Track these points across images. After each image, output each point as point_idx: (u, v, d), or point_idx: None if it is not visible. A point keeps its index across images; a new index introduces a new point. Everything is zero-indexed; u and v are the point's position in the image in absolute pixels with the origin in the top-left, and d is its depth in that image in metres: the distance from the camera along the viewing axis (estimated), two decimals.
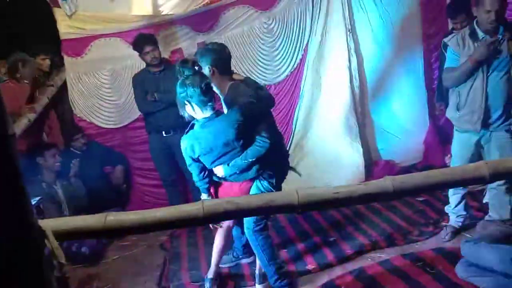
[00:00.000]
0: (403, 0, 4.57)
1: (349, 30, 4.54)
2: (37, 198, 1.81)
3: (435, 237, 3.32)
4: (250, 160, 2.61)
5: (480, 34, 2.87)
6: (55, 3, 4.20)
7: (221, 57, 2.70)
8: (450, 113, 3.15)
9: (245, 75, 3.34)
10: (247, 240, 2.97)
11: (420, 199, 3.95)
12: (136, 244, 3.86)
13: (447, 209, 3.38)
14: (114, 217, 1.47)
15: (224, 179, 2.71)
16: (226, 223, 2.94)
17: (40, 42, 4.33)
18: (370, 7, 4.54)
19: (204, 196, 2.75)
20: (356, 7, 4.54)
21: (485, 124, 2.93)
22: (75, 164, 4.09)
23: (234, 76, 2.80)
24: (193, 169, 2.72)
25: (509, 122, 2.95)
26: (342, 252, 3.25)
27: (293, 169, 2.99)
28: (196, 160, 2.67)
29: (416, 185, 1.49)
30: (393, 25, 4.54)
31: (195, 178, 2.75)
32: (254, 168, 2.65)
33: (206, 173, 2.71)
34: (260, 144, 2.62)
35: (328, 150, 4.60)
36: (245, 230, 2.85)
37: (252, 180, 2.72)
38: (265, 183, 2.73)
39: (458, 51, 2.94)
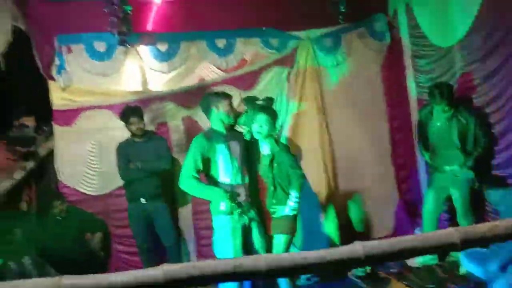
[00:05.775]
0: (368, 87, 4.71)
1: (321, 111, 4.59)
2: None
3: None
4: None
5: None
6: (50, 77, 4.14)
7: None
8: None
9: None
10: None
11: None
12: None
13: None
14: (69, 281, 1.24)
15: None
16: None
17: (31, 112, 4.19)
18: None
19: None
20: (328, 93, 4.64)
21: None
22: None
23: None
24: None
25: None
26: None
27: None
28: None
29: (388, 251, 1.32)
30: (361, 106, 4.64)
31: None
32: None
33: None
34: None
35: None
36: None
37: None
38: None
39: None
